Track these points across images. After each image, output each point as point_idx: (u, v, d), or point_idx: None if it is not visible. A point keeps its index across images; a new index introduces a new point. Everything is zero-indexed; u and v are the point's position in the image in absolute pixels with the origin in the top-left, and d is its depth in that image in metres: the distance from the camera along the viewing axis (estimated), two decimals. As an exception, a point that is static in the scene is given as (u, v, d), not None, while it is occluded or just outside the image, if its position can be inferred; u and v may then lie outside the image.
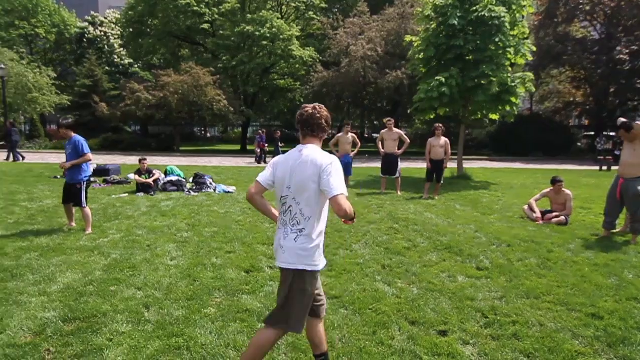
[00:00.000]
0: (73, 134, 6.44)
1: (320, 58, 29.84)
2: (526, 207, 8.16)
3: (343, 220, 2.55)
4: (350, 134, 10.95)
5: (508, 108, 13.64)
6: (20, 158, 18.20)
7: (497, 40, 12.62)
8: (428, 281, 4.57)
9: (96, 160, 17.39)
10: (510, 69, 13.80)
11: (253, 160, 21.70)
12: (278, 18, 29.48)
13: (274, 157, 15.74)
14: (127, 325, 3.47)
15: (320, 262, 2.63)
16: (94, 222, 6.82)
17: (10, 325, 3.43)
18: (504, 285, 4.52)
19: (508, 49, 13.00)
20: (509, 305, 4.01)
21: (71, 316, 3.60)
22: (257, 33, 27.13)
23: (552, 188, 7.95)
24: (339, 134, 11.24)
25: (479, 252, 5.69)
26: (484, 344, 3.29)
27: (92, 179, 11.87)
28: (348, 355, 3.08)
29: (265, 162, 20.69)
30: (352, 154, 10.89)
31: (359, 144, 11.13)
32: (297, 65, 29.90)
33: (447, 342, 3.30)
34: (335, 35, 28.94)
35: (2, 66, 22.72)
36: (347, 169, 10.86)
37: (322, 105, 2.68)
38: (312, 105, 2.67)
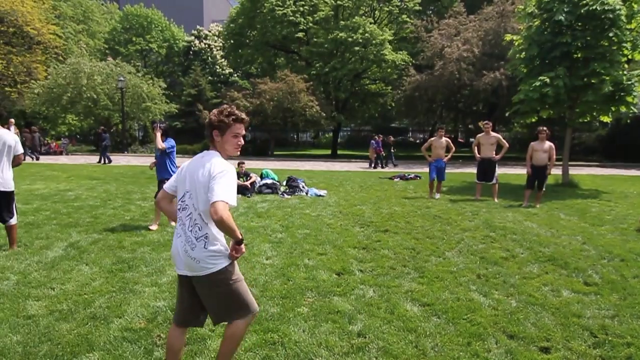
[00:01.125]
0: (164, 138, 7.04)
1: (413, 61, 29.36)
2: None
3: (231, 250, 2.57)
4: (444, 138, 10.64)
5: (623, 109, 12.40)
6: (107, 161, 20.22)
7: (610, 35, 11.54)
8: (528, 294, 4.30)
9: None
10: (626, 65, 12.53)
11: (367, 165, 21.81)
12: (371, 23, 29.55)
13: (386, 162, 15.81)
14: (227, 318, 3.69)
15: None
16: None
17: (128, 311, 3.82)
18: (617, 303, 4.12)
19: (624, 44, 11.81)
20: (622, 325, 3.65)
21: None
22: (350, 39, 27.43)
23: None
24: (432, 138, 10.99)
25: (587, 265, 5.24)
26: (593, 365, 3.03)
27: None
28: (440, 365, 3.01)
29: (382, 167, 20.72)
30: (445, 159, 10.56)
31: (453, 148, 10.77)
32: (389, 70, 29.72)
33: (549, 359, 3.09)
34: (428, 38, 28.32)
35: (122, 79, 25.37)
36: (440, 174, 10.57)
37: (223, 107, 2.61)
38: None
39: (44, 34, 30.39)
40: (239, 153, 2.68)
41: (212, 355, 3.11)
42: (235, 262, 2.66)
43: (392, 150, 20.00)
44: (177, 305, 2.80)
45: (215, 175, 2.42)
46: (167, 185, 2.75)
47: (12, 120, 20.64)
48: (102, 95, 27.66)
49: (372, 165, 21.17)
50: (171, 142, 7.09)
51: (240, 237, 2.52)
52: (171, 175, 6.76)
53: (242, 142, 2.66)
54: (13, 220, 5.51)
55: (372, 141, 21.53)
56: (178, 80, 42.37)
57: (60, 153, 26.85)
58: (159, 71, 43.93)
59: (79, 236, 6.28)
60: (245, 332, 2.74)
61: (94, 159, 22.11)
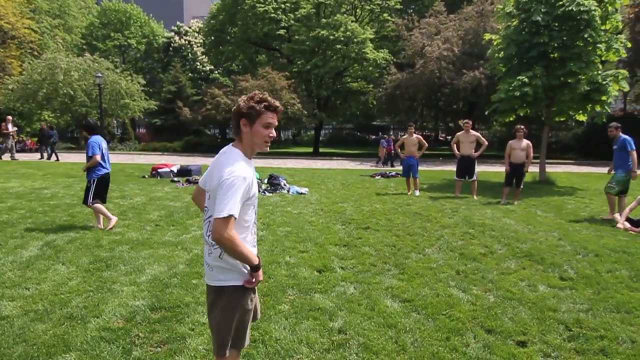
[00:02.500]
0: (89, 135, 6.72)
1: (394, 60, 29.51)
2: (617, 214, 7.55)
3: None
4: (415, 136, 10.79)
5: (598, 108, 12.65)
6: (54, 158, 19.90)
7: (586, 35, 11.78)
8: (506, 289, 4.38)
9: (179, 161, 18.53)
10: (600, 66, 12.80)
11: (371, 163, 21.80)
12: (352, 21, 29.56)
13: (393, 162, 15.50)
14: (207, 317, 3.66)
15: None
16: (178, 219, 7.31)
17: (105, 310, 3.76)
18: (591, 297, 4.22)
19: (598, 45, 12.06)
20: (596, 318, 3.75)
21: (157, 305, 3.87)
22: (332, 37, 27.41)
23: None
24: (404, 136, 11.14)
25: (563, 261, 5.35)
26: (567, 358, 3.11)
27: (175, 179, 12.72)
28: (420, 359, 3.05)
29: (392, 165, 20.73)
30: (417, 156, 10.75)
31: (426, 145, 10.92)
32: (371, 68, 29.81)
33: (526, 353, 3.15)
34: (409, 36, 28.48)
35: (100, 75, 24.86)
36: (412, 171, 10.74)
37: (254, 93, 2.29)
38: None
39: (18, 29, 29.60)
40: (268, 149, 2.31)
41: (192, 354, 3.08)
42: (253, 290, 2.31)
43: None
44: None
45: (223, 181, 2.08)
46: (200, 181, 2.46)
47: (10, 117, 20.39)
48: (80, 91, 27.07)
49: (381, 162, 21.23)
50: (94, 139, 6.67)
51: (256, 262, 2.18)
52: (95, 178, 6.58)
53: (274, 134, 2.29)
54: None
55: (383, 140, 21.80)
56: (158, 77, 41.74)
57: (36, 150, 26.22)
58: (138, 67, 43.20)
59: (55, 235, 6.16)
60: None
61: (71, 156, 21.66)
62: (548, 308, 3.93)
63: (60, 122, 31.92)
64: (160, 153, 27.27)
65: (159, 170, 13.61)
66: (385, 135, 22.25)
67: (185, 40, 42.93)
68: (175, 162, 17.05)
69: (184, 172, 13.56)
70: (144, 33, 43.18)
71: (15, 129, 19.16)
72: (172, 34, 43.61)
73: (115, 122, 35.81)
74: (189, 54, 42.74)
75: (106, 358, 3.02)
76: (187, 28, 44.10)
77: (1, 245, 5.58)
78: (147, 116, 34.73)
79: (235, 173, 2.09)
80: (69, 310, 3.74)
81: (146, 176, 13.44)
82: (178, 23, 44.80)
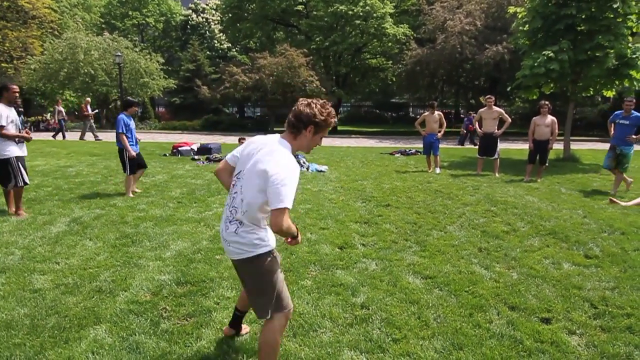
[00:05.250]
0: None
1: (414, 35, 28.91)
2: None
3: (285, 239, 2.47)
4: (436, 113, 10.61)
5: (627, 83, 12.24)
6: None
7: (615, 6, 11.32)
8: (529, 267, 4.34)
9: (199, 139, 18.66)
10: (631, 38, 12.32)
11: (457, 142, 21.40)
12: (371, -5, 28.97)
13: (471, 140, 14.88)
14: (232, 291, 3.74)
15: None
16: (200, 196, 7.41)
17: (133, 284, 3.85)
18: (617, 275, 4.16)
19: (629, 16, 11.60)
20: (622, 297, 3.69)
21: (183, 280, 3.95)
22: (350, 12, 26.93)
23: None
24: (425, 113, 10.95)
25: (588, 239, 5.27)
26: (593, 335, 3.08)
27: (196, 157, 12.84)
28: (443, 335, 3.06)
29: (474, 143, 20.37)
30: (439, 135, 10.56)
31: (445, 123, 10.76)
32: (390, 44, 29.28)
33: (550, 330, 3.13)
34: (430, 10, 27.81)
35: (119, 54, 25.02)
36: (433, 147, 10.58)
37: (327, 105, 2.41)
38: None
39: (38, 8, 29.84)
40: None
41: (218, 327, 3.15)
42: (277, 254, 2.48)
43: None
44: None
45: (279, 174, 2.18)
46: (229, 157, 2.55)
47: (88, 99, 20.82)
48: (100, 70, 27.33)
49: (462, 142, 20.92)
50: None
51: (296, 232, 2.39)
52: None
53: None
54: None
55: (464, 118, 21.29)
56: (176, 55, 41.84)
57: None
58: (157, 46, 43.31)
59: (81, 212, 6.30)
60: (279, 336, 2.48)
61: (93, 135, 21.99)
62: (573, 286, 3.89)
63: (82, 101, 32.34)
64: (180, 132, 27.49)
65: (180, 148, 13.74)
66: (470, 112, 21.72)
67: (202, 18, 42.76)
68: (195, 140, 17.18)
69: (204, 150, 13.66)
70: (161, 11, 43.15)
71: (96, 111, 20.31)
72: (190, 11, 43.45)
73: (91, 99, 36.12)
74: (207, 32, 42.61)
75: (135, 330, 3.10)
76: (204, 5, 43.86)
77: (30, 222, 5.74)
78: (166, 95, 34.92)
79: (292, 168, 2.25)
80: (97, 284, 3.85)
81: (167, 154, 13.60)
82: (195, 0, 44.56)
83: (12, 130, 5.76)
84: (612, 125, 8.41)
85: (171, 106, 36.67)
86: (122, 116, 7.31)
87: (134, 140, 7.49)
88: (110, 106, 30.28)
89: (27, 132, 6.09)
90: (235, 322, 3.02)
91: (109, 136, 19.72)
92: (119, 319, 3.24)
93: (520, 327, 3.17)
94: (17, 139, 5.86)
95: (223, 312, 3.36)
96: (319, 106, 2.35)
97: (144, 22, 42.11)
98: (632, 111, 8.08)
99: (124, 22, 40.70)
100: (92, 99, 30.23)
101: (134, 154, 7.31)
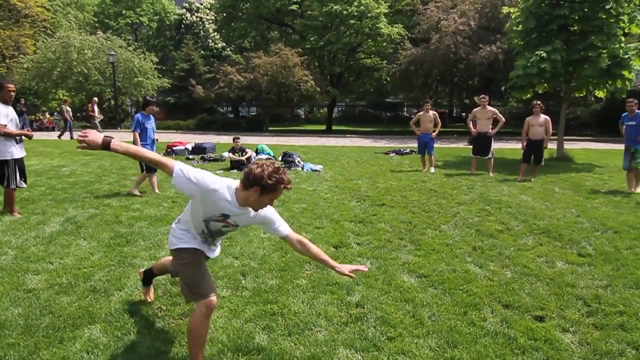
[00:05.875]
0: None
1: (409, 35, 28.95)
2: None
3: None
4: (431, 112, 10.64)
5: (619, 84, 12.33)
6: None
7: (608, 7, 11.40)
8: (523, 265, 4.37)
9: (193, 139, 18.60)
10: (623, 39, 12.42)
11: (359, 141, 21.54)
12: (366, -5, 28.99)
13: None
14: (227, 291, 3.74)
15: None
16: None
17: (127, 284, 3.84)
18: (610, 273, 4.19)
19: (621, 17, 11.69)
20: (615, 294, 3.73)
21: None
22: (345, 12, 26.93)
23: None
24: (420, 113, 10.98)
25: (581, 237, 5.31)
26: (586, 333, 3.11)
27: (190, 157, 12.81)
28: (438, 333, 3.07)
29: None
30: (433, 134, 10.60)
31: (440, 123, 10.80)
32: (384, 43, 29.31)
33: (544, 327, 3.16)
34: (425, 10, 27.86)
35: (113, 53, 24.92)
36: (427, 147, 10.63)
37: (277, 169, 2.45)
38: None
39: (31, 7, 29.68)
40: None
41: (212, 327, 3.14)
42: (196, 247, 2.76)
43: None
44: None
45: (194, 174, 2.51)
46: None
47: (96, 99, 20.73)
48: (93, 70, 27.21)
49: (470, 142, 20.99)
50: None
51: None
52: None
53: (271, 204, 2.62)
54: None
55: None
56: (170, 55, 41.70)
57: (52, 129, 26.55)
58: (151, 45, 43.15)
59: (75, 211, 6.27)
60: (201, 324, 2.61)
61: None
62: (566, 284, 3.92)
63: (75, 100, 32.19)
64: (174, 131, 27.40)
65: (174, 148, 13.72)
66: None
67: (196, 17, 42.65)
68: (189, 140, 17.12)
69: (199, 149, 13.64)
70: (155, 10, 43.01)
71: (101, 116, 20.55)
72: (184, 10, 43.33)
73: (129, 100, 35.98)
74: (201, 31, 42.51)
75: (130, 329, 3.10)
76: (198, 5, 43.75)
77: (24, 222, 5.70)
78: (160, 94, 34.79)
79: (204, 174, 2.51)
80: (92, 283, 3.84)
81: (161, 154, 13.54)
82: (189, 0, 44.43)
83: (11, 128, 5.72)
84: (623, 126, 8.43)
85: (165, 105, 36.56)
86: (137, 115, 7.44)
87: (148, 141, 7.47)
88: (104, 105, 30.12)
89: (28, 130, 6.08)
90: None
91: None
92: (113, 319, 3.23)
93: (514, 325, 3.19)
94: (17, 138, 5.83)
95: (218, 312, 3.35)
96: (269, 169, 2.40)
97: (137, 21, 41.97)
98: (637, 111, 8.12)
99: (118, 21, 40.54)
100: (86, 98, 30.14)
101: None
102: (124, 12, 41.16)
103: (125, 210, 6.39)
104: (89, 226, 5.54)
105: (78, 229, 5.42)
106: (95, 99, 21.04)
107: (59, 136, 20.15)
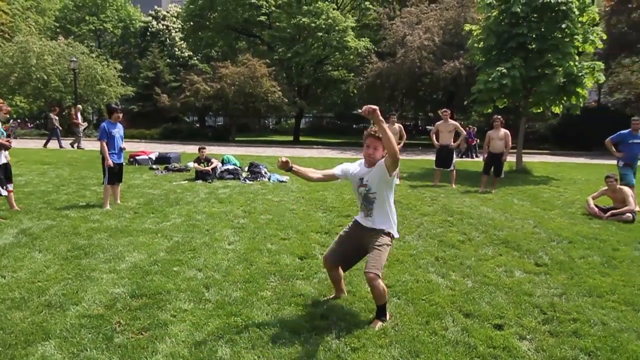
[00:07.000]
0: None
1: (375, 49, 29.47)
2: (587, 204, 7.81)
3: None
4: (397, 125, 10.78)
5: (574, 100, 12.94)
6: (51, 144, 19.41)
7: (563, 26, 11.99)
8: (483, 275, 4.49)
9: (158, 148, 18.24)
10: (577, 57, 13.06)
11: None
12: (334, 9, 29.39)
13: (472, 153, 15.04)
14: (189, 303, 3.67)
15: None
16: (157, 206, 7.24)
17: (85, 298, 3.72)
18: (564, 282, 4.36)
19: (575, 36, 12.31)
20: (570, 302, 3.87)
21: (138, 292, 3.84)
22: (313, 24, 27.20)
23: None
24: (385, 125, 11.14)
25: (538, 247, 5.50)
26: (542, 340, 3.21)
27: (154, 166, 12.55)
28: (401, 343, 3.11)
29: (473, 157, 20.34)
30: (398, 147, 10.77)
31: (405, 136, 10.97)
32: (352, 57, 29.72)
33: (502, 335, 3.25)
34: (391, 25, 28.46)
35: (75, 59, 24.23)
36: None
37: None
38: None
39: (-12, 10, 28.56)
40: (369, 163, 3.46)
41: (174, 341, 3.08)
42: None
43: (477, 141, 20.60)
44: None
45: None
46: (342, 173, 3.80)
47: (79, 107, 20.07)
48: (53, 76, 26.37)
49: (461, 155, 20.94)
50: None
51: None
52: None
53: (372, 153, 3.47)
54: None
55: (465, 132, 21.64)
56: (135, 62, 40.90)
57: (9, 136, 25.45)
58: (114, 52, 42.29)
59: (30, 222, 6.03)
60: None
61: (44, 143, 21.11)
62: (524, 292, 4.05)
63: (34, 107, 31.09)
64: (137, 140, 26.78)
65: (137, 157, 13.40)
66: (467, 127, 22.11)
67: (163, 25, 42.09)
68: (153, 149, 16.78)
69: (163, 159, 13.38)
70: (120, 17, 42.19)
71: (85, 124, 20.10)
72: (150, 18, 42.70)
73: (90, 108, 35.00)
74: (167, 40, 41.96)
75: (87, 345, 2.99)
76: (165, 13, 43.23)
77: (-26, 233, 5.44)
78: (123, 102, 33.95)
79: None
80: (47, 298, 3.69)
81: (124, 163, 13.20)
82: (156, 7, 43.88)
83: None
84: (616, 145, 8.28)
85: (129, 114, 35.73)
86: (104, 123, 7.20)
87: (116, 150, 7.28)
88: (64, 113, 29.18)
89: (7, 141, 5.84)
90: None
91: (63, 143, 18.99)
92: (69, 334, 3.11)
93: (474, 333, 3.27)
94: None
95: (180, 325, 3.29)
96: None
97: (101, 27, 41.02)
98: None
99: (80, 27, 39.51)
100: (45, 105, 29.14)
101: (111, 163, 7.08)
102: (87, 17, 40.16)
103: (84, 222, 6.19)
104: (44, 238, 5.34)
105: (33, 240, 5.21)
106: (80, 106, 20.38)
107: (45, 145, 19.15)
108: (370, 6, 32.35)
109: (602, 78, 13.29)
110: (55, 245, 5.09)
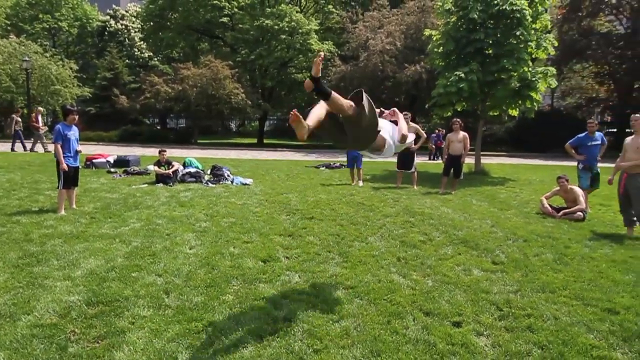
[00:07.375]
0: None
1: (339, 52, 29.73)
2: (541, 203, 8.14)
3: None
4: None
5: (528, 104, 13.46)
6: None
7: (518, 33, 12.46)
8: (443, 274, 4.59)
9: (116, 151, 17.73)
10: (531, 63, 13.59)
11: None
12: (297, 12, 29.45)
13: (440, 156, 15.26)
14: (148, 310, 3.58)
15: None
16: (115, 210, 7.03)
17: (37, 307, 3.57)
18: (519, 279, 4.52)
19: (529, 43, 12.82)
20: (524, 298, 4.02)
21: (94, 300, 3.72)
22: (276, 27, 27.16)
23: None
24: None
25: (495, 246, 5.68)
26: (498, 335, 3.32)
27: (112, 170, 12.18)
28: (363, 343, 3.14)
29: (440, 159, 20.38)
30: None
31: None
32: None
33: (461, 332, 3.33)
34: (354, 29, 28.79)
35: (27, 59, 23.22)
36: (357, 161, 10.94)
37: None
38: None
39: None
40: None
41: (131, 348, 3.00)
42: None
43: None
44: None
45: None
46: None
47: (41, 109, 19.07)
48: (4, 76, 25.18)
49: (431, 157, 21.40)
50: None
51: None
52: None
53: None
54: None
55: (433, 134, 21.84)
56: (92, 63, 39.54)
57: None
58: (70, 52, 40.79)
59: (-22, 229, 5.73)
60: None
61: (-6, 146, 20.12)
62: (481, 290, 4.17)
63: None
64: (95, 143, 25.93)
65: (94, 160, 12.95)
66: (436, 130, 22.36)
67: (121, 24, 40.97)
68: (111, 152, 16.28)
69: (122, 162, 13.00)
70: (76, 15, 40.73)
71: (45, 128, 18.91)
72: (108, 17, 41.47)
73: (45, 110, 33.62)
74: (126, 40, 40.87)
75: (39, 356, 2.87)
76: (123, 12, 42.09)
77: None
78: (80, 104, 32.82)
79: None
80: (-5, 308, 3.52)
81: (80, 167, 12.75)
82: (114, 6, 42.67)
83: None
84: (575, 148, 8.44)
85: (85, 115, 34.57)
86: (59, 126, 6.95)
87: (72, 152, 7.02)
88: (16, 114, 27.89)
89: None
90: None
91: (15, 147, 18.15)
92: (20, 345, 2.98)
93: (434, 331, 3.34)
94: None
95: (138, 332, 3.21)
96: None
97: (56, 26, 39.45)
98: (597, 132, 8.34)
99: (34, 25, 37.86)
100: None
101: (65, 166, 6.83)
102: (40, 15, 38.53)
103: (36, 227, 5.94)
104: (-6, 245, 5.09)
105: (-19, 248, 4.96)
106: (41, 109, 19.44)
107: (12, 149, 18.09)
108: (334, 10, 32.62)
109: (555, 83, 13.87)
110: (5, 252, 4.86)
